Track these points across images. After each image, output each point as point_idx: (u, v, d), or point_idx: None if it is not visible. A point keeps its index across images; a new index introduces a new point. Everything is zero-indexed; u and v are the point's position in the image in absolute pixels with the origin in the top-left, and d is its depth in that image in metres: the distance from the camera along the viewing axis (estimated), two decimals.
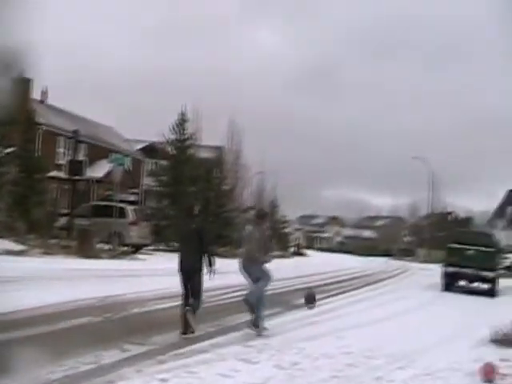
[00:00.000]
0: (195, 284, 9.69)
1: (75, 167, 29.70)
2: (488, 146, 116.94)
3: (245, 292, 10.38)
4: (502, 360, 8.99)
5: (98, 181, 36.19)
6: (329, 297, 16.95)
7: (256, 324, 9.71)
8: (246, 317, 11.27)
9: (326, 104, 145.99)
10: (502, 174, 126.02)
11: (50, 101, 38.58)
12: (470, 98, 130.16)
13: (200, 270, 9.68)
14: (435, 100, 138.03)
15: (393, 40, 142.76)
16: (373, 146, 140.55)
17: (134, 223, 27.93)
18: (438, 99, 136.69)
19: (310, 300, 14.11)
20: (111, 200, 27.85)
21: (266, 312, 11.85)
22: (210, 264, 9.67)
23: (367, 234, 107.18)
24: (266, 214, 11.45)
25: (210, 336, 9.07)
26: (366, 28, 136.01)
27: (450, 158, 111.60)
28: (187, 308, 9.19)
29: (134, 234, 27.86)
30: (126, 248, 26.55)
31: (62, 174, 32.52)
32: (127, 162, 36.74)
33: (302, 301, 14.06)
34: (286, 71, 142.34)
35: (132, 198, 33.58)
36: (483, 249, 22.51)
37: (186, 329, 9.00)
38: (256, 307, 9.81)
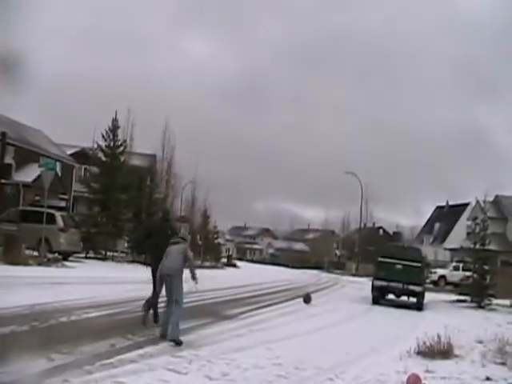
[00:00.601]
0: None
1: (2, 170, 28.94)
2: (415, 163, 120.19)
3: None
4: (427, 371, 9.21)
5: (27, 185, 35.37)
6: (259, 308, 16.98)
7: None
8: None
9: (258, 117, 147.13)
10: (428, 191, 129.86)
11: None
12: (396, 114, 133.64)
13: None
14: (364, 115, 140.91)
15: (324, 56, 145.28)
16: (304, 160, 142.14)
17: (63, 230, 27.38)
18: (366, 115, 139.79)
19: (308, 299, 19.98)
20: (40, 205, 27.21)
21: (197, 322, 11.82)
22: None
23: (299, 246, 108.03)
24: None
25: (139, 346, 8.94)
26: (300, 43, 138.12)
27: (378, 174, 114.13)
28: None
29: (63, 241, 27.31)
30: (54, 255, 25.97)
31: None
32: (57, 167, 36.05)
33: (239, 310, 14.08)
34: (219, 83, 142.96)
35: (62, 204, 32.97)
36: (411, 263, 23.01)
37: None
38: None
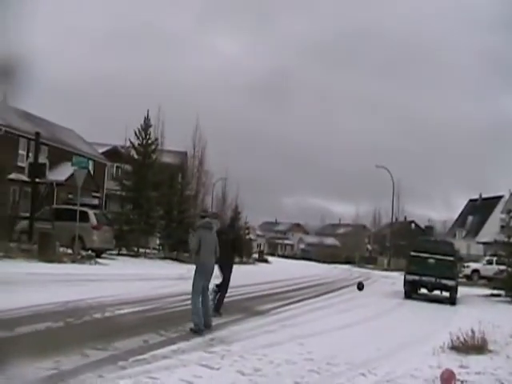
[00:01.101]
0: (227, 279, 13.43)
1: (36, 170, 29.24)
2: (445, 156, 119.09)
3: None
4: (461, 367, 9.14)
5: (60, 184, 35.81)
6: (290, 303, 17.01)
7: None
8: None
9: (285, 113, 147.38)
10: (460, 184, 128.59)
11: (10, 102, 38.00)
12: (424, 108, 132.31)
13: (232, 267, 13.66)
14: (391, 110, 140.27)
15: (348, 51, 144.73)
16: (332, 155, 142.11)
17: (96, 227, 27.68)
18: (393, 109, 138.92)
19: (361, 287, 23.23)
20: (73, 204, 27.52)
21: (229, 318, 11.90)
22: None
23: (330, 241, 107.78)
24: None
25: (172, 342, 9.02)
26: (324, 38, 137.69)
27: (408, 169, 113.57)
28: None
29: (96, 239, 27.62)
30: (87, 252, 26.28)
31: (22, 177, 32.06)
32: (90, 166, 36.41)
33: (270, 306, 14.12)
34: (246, 81, 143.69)
35: (94, 201, 33.23)
36: (444, 257, 22.84)
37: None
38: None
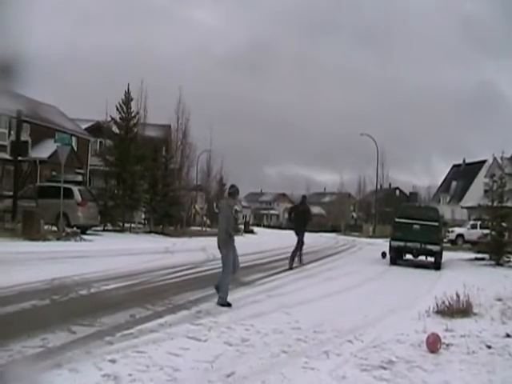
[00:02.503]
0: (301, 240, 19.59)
1: (19, 148, 29.04)
2: (428, 124, 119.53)
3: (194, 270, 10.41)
4: (447, 330, 9.23)
5: (43, 161, 35.56)
6: (276, 273, 17.07)
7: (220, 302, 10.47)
8: (195, 295, 11.38)
9: (266, 84, 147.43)
10: (443, 151, 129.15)
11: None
12: (407, 76, 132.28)
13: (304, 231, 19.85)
14: (374, 78, 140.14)
15: (325, 19, 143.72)
16: (315, 125, 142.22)
17: (80, 204, 27.58)
18: (375, 77, 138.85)
19: (384, 255, 24.90)
20: (57, 181, 27.34)
21: (214, 290, 11.94)
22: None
23: (315, 210, 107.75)
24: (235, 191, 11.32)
25: (158, 315, 9.04)
26: (305, 7, 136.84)
27: (392, 136, 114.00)
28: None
29: (81, 215, 27.54)
30: (72, 229, 26.19)
31: (5, 155, 31.82)
32: (73, 142, 36.13)
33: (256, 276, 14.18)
34: (227, 52, 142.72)
35: (78, 178, 33.06)
36: (428, 223, 22.98)
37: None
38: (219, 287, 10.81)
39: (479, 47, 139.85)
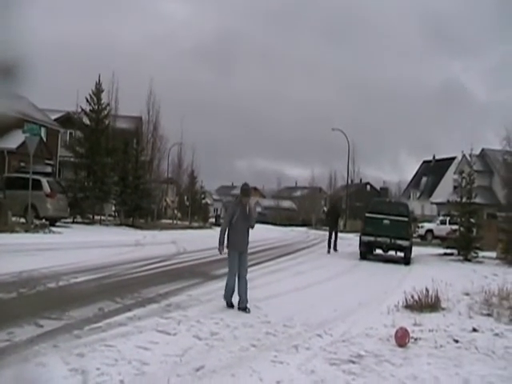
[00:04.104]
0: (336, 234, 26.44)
1: None
2: (399, 121, 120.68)
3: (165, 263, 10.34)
4: (415, 325, 9.32)
5: (12, 152, 35.08)
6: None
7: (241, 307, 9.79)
8: (165, 288, 11.32)
9: (237, 77, 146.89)
10: (414, 147, 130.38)
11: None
12: (376, 73, 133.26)
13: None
14: (342, 74, 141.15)
15: (292, 12, 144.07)
16: (286, 119, 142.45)
17: (49, 195, 27.29)
18: (343, 73, 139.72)
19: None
20: (26, 172, 27.00)
21: (186, 283, 11.85)
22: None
23: (287, 204, 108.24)
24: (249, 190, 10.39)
25: (127, 309, 8.97)
26: (270, 3, 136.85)
27: (362, 132, 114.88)
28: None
29: (50, 207, 27.25)
30: (41, 221, 25.92)
31: None
32: (42, 133, 35.70)
33: (226, 270, 14.13)
34: (194, 44, 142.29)
35: (48, 169, 32.65)
36: (398, 218, 23.15)
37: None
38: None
39: (447, 45, 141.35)
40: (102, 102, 36.29)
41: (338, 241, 27.20)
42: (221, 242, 9.93)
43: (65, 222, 29.79)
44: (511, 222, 26.82)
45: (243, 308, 9.60)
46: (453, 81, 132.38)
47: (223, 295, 10.01)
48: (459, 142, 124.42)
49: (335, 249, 26.64)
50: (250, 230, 10.17)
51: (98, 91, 35.76)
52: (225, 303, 9.92)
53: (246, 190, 10.22)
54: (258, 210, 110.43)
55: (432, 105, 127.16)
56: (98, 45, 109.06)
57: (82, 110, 36.36)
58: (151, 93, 50.39)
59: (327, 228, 28.46)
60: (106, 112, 36.61)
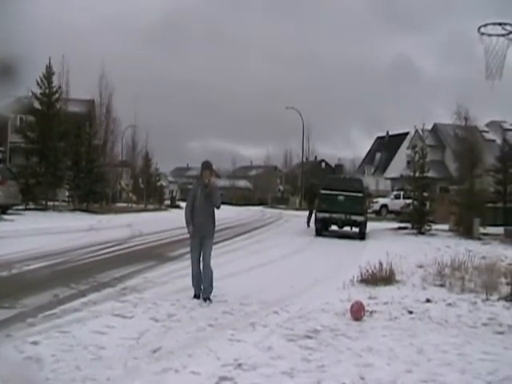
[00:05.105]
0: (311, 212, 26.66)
1: None
2: (349, 97, 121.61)
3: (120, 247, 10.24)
4: (370, 298, 9.48)
5: None
6: None
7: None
8: (120, 272, 11.24)
9: (188, 57, 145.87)
10: (366, 123, 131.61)
11: None
12: (327, 49, 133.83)
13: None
14: (293, 51, 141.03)
15: None
16: (238, 98, 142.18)
17: (0, 183, 26.75)
18: (294, 52, 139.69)
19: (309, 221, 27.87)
20: None
21: (141, 266, 11.79)
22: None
23: (242, 183, 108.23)
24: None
25: (82, 294, 8.88)
26: None
27: (315, 110, 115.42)
28: None
29: (1, 194, 26.69)
30: None
31: None
32: None
33: (181, 252, 14.12)
34: (144, 26, 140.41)
35: None
36: (352, 194, 23.34)
37: None
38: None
39: (397, 21, 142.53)
40: (53, 85, 35.58)
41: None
42: (188, 222, 9.27)
43: (17, 209, 29.24)
44: (463, 195, 27.24)
45: (204, 298, 9.02)
46: (403, 56, 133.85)
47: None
48: (412, 118, 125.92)
49: (308, 225, 27.51)
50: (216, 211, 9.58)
51: (49, 74, 34.98)
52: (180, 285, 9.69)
53: (207, 164, 9.68)
54: None
55: (384, 81, 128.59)
56: (47, 27, 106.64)
57: (33, 93, 35.57)
58: (103, 75, 49.60)
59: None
60: (57, 95, 35.89)
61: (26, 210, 30.94)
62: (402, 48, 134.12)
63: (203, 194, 9.31)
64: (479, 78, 11.63)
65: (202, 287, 9.15)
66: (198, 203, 9.32)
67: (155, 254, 14.87)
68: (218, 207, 9.57)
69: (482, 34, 11.00)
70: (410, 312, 8.59)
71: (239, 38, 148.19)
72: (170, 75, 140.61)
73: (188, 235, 9.50)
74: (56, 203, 35.39)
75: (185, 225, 9.43)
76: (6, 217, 24.70)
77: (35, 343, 6.05)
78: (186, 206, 9.61)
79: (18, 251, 13.29)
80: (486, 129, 58.41)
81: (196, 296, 9.15)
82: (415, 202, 27.55)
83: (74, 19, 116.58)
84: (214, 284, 9.27)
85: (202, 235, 9.28)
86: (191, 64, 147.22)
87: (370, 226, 25.41)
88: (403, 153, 65.51)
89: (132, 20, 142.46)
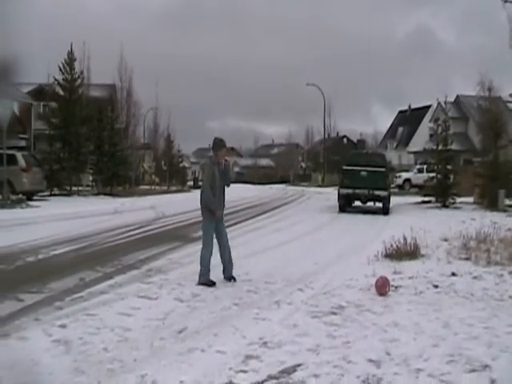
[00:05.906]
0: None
1: None
2: (371, 72, 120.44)
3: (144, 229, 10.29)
4: (395, 273, 9.44)
5: None
6: (226, 227, 17.06)
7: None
8: (145, 254, 11.33)
9: (207, 37, 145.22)
10: (388, 98, 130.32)
11: None
12: (346, 24, 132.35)
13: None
14: (310, 30, 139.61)
15: None
16: (257, 77, 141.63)
17: (25, 170, 26.94)
18: (313, 29, 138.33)
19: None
20: None
21: (166, 247, 11.86)
22: None
23: (264, 162, 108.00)
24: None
25: (108, 277, 8.97)
26: None
27: (336, 85, 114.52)
28: None
29: (26, 181, 26.92)
30: (18, 196, 25.67)
31: None
32: (14, 107, 35.13)
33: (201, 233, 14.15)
34: (161, 7, 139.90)
35: (22, 143, 32.20)
36: (375, 169, 23.25)
37: None
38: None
39: None
40: (75, 71, 35.76)
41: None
42: (214, 202, 8.81)
43: (42, 196, 29.53)
44: (487, 166, 27.00)
45: (228, 278, 8.88)
46: (424, 28, 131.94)
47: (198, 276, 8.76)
48: (434, 91, 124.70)
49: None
50: (230, 190, 9.39)
51: (71, 60, 35.15)
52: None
53: (222, 142, 9.12)
54: (236, 169, 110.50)
55: (405, 54, 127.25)
56: (69, 13, 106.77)
57: (56, 80, 35.73)
58: (122, 59, 49.90)
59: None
60: (79, 81, 36.08)
61: (50, 195, 31.26)
62: (423, 19, 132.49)
63: (219, 173, 8.98)
64: (503, 47, 11.47)
65: (224, 268, 8.97)
66: (215, 182, 8.93)
67: (179, 235, 14.94)
68: (229, 185, 9.23)
69: (506, 1, 10.82)
70: (436, 286, 8.55)
71: (260, 19, 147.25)
72: (189, 57, 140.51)
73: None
74: (80, 188, 35.68)
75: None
76: (31, 203, 24.94)
77: (63, 326, 6.13)
78: (206, 186, 8.96)
79: (44, 236, 13.45)
80: (510, 99, 57.57)
81: (209, 283, 8.57)
82: (439, 175, 27.39)
83: (94, 4, 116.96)
84: (238, 263, 9.31)
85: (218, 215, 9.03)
86: (211, 45, 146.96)
87: (394, 200, 25.29)
88: (426, 126, 64.93)
89: (150, 4, 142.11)
